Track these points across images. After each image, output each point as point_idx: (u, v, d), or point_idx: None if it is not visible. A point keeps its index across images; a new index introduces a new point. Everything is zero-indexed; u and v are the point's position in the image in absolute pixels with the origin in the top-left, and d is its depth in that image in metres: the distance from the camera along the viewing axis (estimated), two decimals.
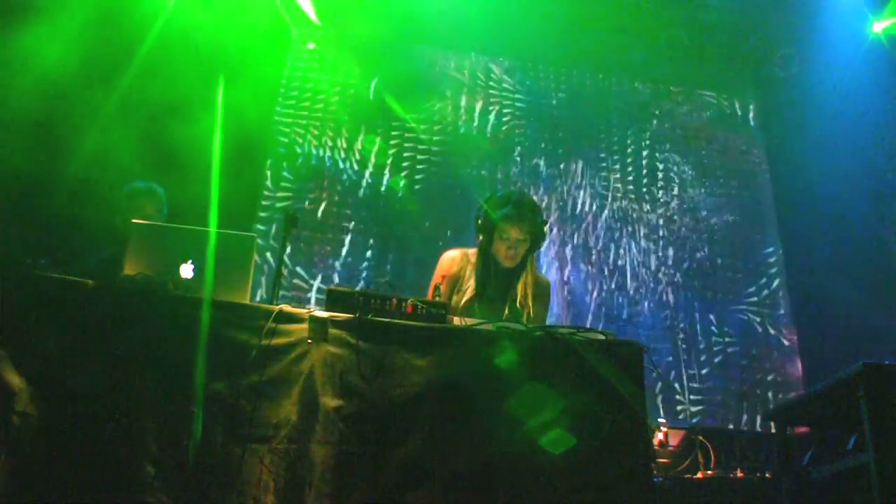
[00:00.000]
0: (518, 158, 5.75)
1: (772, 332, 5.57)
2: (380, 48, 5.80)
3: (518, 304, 2.81)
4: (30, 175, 4.27)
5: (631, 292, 5.49)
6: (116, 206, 3.43)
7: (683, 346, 5.41)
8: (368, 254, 5.27)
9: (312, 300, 5.02)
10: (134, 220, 2.25)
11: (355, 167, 5.48)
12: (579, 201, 5.70)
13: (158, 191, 3.53)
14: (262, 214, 5.24)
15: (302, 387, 1.91)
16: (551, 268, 5.41)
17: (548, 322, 3.01)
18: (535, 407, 1.98)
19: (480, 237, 2.83)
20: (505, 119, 5.86)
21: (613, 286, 5.49)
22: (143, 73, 4.93)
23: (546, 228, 2.86)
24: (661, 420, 4.46)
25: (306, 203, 5.31)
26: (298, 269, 5.13)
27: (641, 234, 5.69)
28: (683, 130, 6.11)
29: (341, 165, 5.46)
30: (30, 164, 4.30)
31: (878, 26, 5.79)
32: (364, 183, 5.45)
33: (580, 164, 5.83)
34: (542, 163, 5.77)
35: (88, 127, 4.61)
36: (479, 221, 2.81)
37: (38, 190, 4.32)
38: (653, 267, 5.60)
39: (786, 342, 5.55)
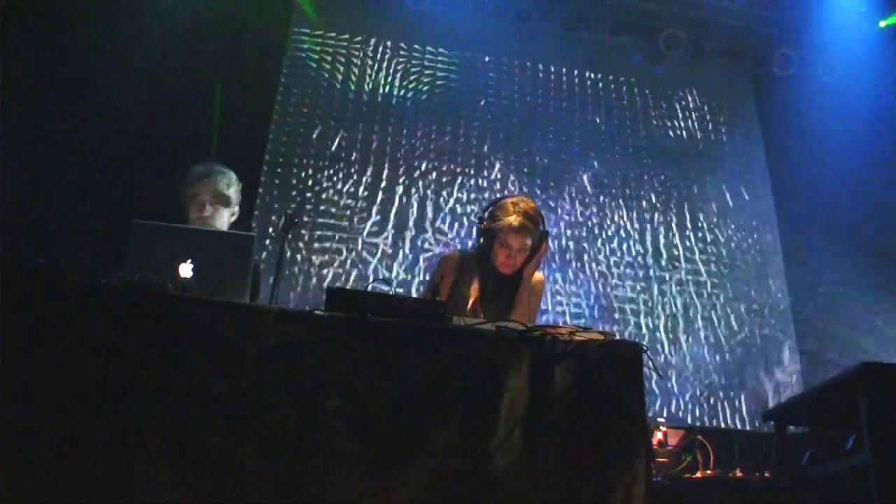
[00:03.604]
0: (508, 157, 5.74)
1: (771, 331, 5.57)
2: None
3: (512, 310, 2.81)
4: (30, 174, 4.27)
5: (629, 289, 5.49)
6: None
7: (682, 344, 5.41)
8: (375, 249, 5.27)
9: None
10: (134, 220, 2.22)
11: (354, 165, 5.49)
12: (576, 200, 5.70)
13: (224, 172, 3.04)
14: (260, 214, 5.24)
15: (301, 387, 1.91)
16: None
17: (539, 314, 3.02)
18: (534, 407, 1.98)
19: (482, 240, 2.83)
20: (501, 119, 5.86)
21: (613, 282, 5.49)
22: (143, 72, 4.93)
23: (548, 241, 2.85)
24: (661, 420, 4.47)
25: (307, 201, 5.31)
26: (295, 268, 5.13)
27: (638, 235, 5.68)
28: (681, 130, 6.11)
29: (341, 164, 5.47)
30: (30, 164, 4.31)
31: (882, 24, 5.80)
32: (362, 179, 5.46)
33: (576, 162, 5.83)
34: (538, 159, 5.77)
35: (87, 126, 4.61)
36: (483, 224, 2.81)
37: (40, 189, 4.32)
38: (651, 265, 5.60)
39: (785, 341, 5.55)
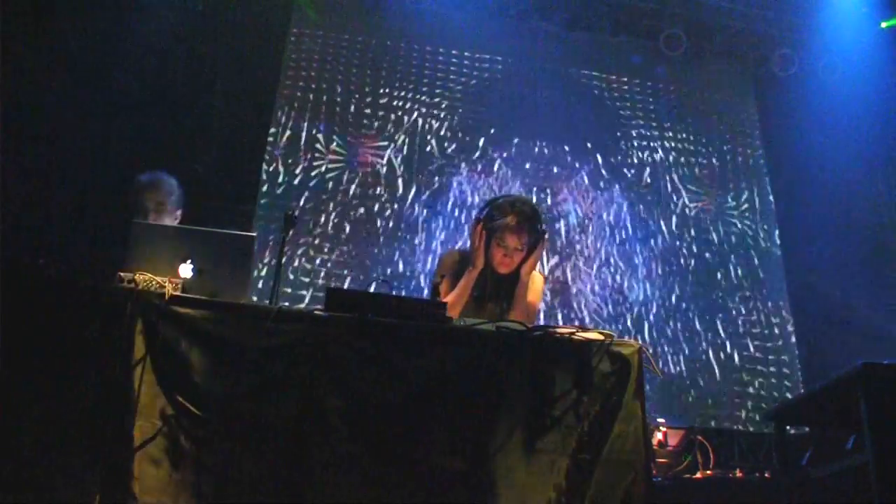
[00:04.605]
0: (510, 157, 5.73)
1: (771, 331, 5.57)
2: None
3: (511, 309, 2.81)
4: (30, 174, 4.27)
5: (628, 289, 5.49)
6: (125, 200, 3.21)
7: (683, 345, 5.41)
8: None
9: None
10: (134, 220, 2.25)
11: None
12: (576, 199, 5.70)
13: (164, 182, 3.25)
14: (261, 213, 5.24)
15: (302, 387, 1.91)
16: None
17: (538, 312, 3.02)
18: (534, 407, 1.98)
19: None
20: (501, 118, 5.85)
21: (615, 285, 5.49)
22: (143, 72, 4.93)
23: (545, 239, 2.85)
24: (661, 420, 4.46)
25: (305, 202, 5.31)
26: (297, 262, 5.13)
27: (637, 234, 5.68)
28: (682, 130, 6.10)
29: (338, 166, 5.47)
30: (31, 164, 4.31)
31: (883, 25, 5.79)
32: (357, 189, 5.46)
33: (576, 163, 5.83)
34: (537, 158, 5.76)
35: (88, 126, 4.61)
36: (480, 224, 2.81)
37: (40, 189, 4.32)
38: (650, 264, 5.59)
39: (786, 341, 5.55)
